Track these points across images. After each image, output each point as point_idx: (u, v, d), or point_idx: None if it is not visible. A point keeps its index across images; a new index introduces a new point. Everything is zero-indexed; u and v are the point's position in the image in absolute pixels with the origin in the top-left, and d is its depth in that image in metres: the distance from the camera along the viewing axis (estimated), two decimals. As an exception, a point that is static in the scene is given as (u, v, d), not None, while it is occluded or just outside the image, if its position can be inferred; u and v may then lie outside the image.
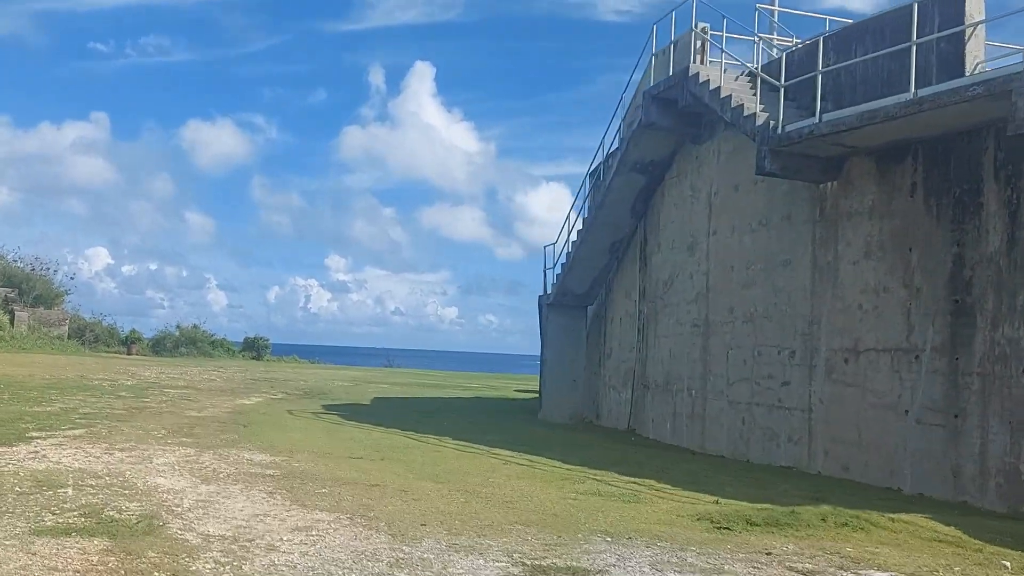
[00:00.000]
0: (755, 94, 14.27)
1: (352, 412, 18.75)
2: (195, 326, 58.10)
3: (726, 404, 15.29)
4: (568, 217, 21.67)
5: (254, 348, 59.92)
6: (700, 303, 16.34)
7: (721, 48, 14.94)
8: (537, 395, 31.40)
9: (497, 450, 12.98)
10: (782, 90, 12.93)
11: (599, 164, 22.62)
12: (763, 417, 14.31)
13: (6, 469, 8.50)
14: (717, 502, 9.00)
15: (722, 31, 16.17)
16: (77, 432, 12.03)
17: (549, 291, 23.13)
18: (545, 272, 22.84)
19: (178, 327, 57.13)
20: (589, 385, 21.62)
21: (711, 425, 15.70)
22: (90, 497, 7.39)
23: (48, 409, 14.96)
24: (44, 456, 9.59)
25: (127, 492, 7.69)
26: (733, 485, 10.54)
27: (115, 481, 8.20)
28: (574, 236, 21.47)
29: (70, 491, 7.45)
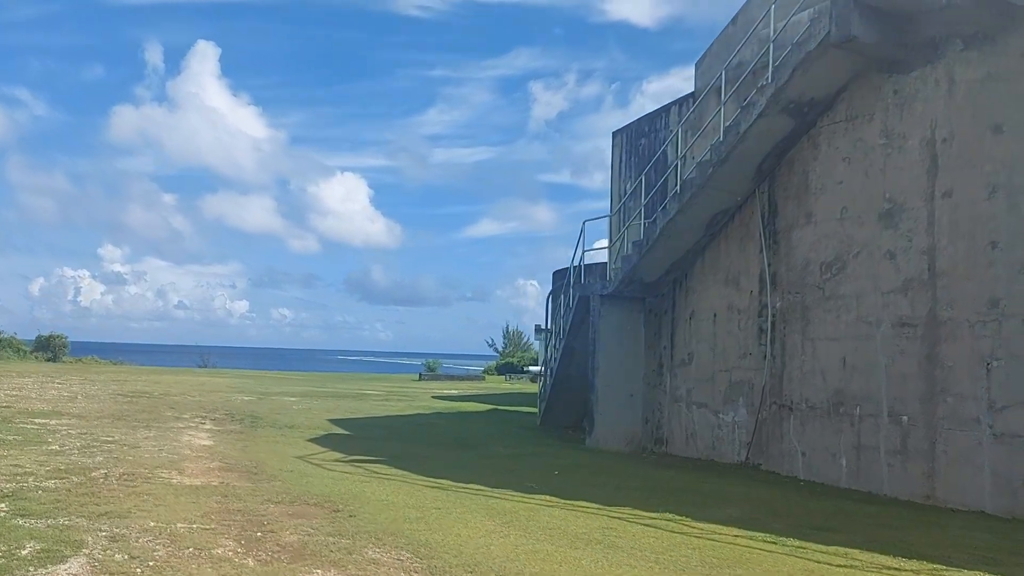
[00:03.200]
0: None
1: (389, 456, 12.68)
2: (-23, 322, 47.83)
3: (988, 438, 10.71)
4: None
5: (49, 348, 50.15)
6: (915, 294, 11.68)
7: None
8: (492, 407, 25.86)
9: (768, 538, 7.69)
10: None
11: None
12: (1084, 459, 9.84)
13: None
14: None
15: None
16: (79, 569, 5.55)
17: (584, 277, 17.86)
18: (581, 252, 17.53)
19: (-44, 323, 46.60)
20: (646, 401, 16.56)
21: (952, 467, 11.08)
22: None
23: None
24: None
25: None
26: None
27: None
28: (612, 210, 16.35)
29: None
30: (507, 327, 79.47)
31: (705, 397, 15.24)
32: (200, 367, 60.48)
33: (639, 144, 17.92)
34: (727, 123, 13.73)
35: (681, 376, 15.90)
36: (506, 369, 67.09)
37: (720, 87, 15.12)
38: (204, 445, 12.60)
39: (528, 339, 78.99)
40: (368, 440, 14.74)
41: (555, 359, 18.68)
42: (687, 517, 8.60)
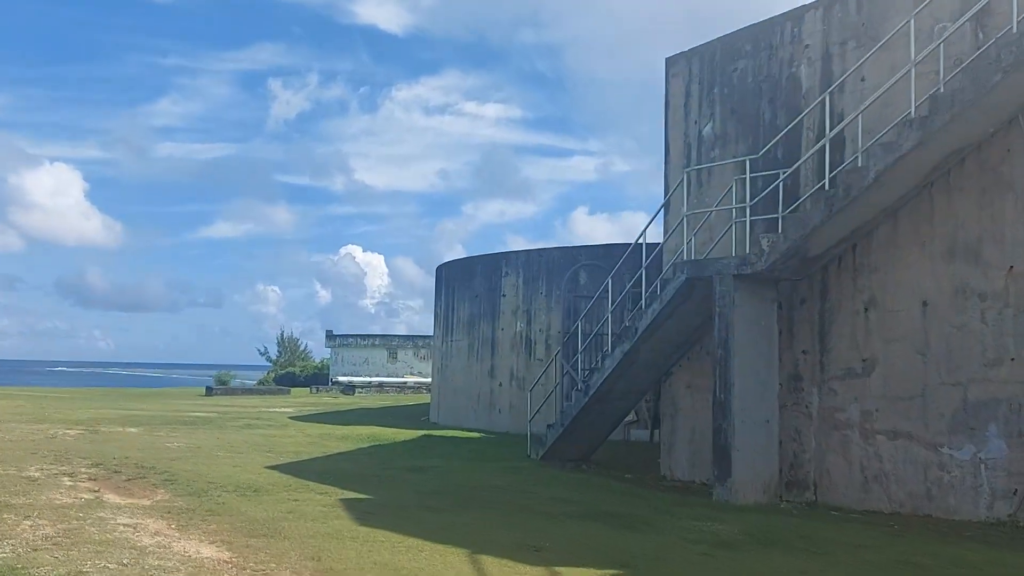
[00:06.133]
0: None
1: (585, 556, 6.67)
2: None
3: None
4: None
5: None
6: None
7: None
8: (419, 433, 19.37)
9: None
10: None
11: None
12: None
13: None
14: None
15: None
16: None
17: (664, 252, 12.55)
18: (685, 213, 12.21)
19: None
20: (783, 428, 11.53)
21: None
22: None
23: None
24: None
25: None
26: None
27: None
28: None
29: None
30: (282, 334, 71.49)
31: (906, 423, 10.42)
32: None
33: (730, 70, 12.81)
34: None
35: (845, 393, 11.00)
36: (286, 380, 59.31)
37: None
38: (213, 559, 5.93)
39: (305, 347, 71.07)
40: (430, 512, 8.46)
41: (602, 369, 13.11)
42: None
